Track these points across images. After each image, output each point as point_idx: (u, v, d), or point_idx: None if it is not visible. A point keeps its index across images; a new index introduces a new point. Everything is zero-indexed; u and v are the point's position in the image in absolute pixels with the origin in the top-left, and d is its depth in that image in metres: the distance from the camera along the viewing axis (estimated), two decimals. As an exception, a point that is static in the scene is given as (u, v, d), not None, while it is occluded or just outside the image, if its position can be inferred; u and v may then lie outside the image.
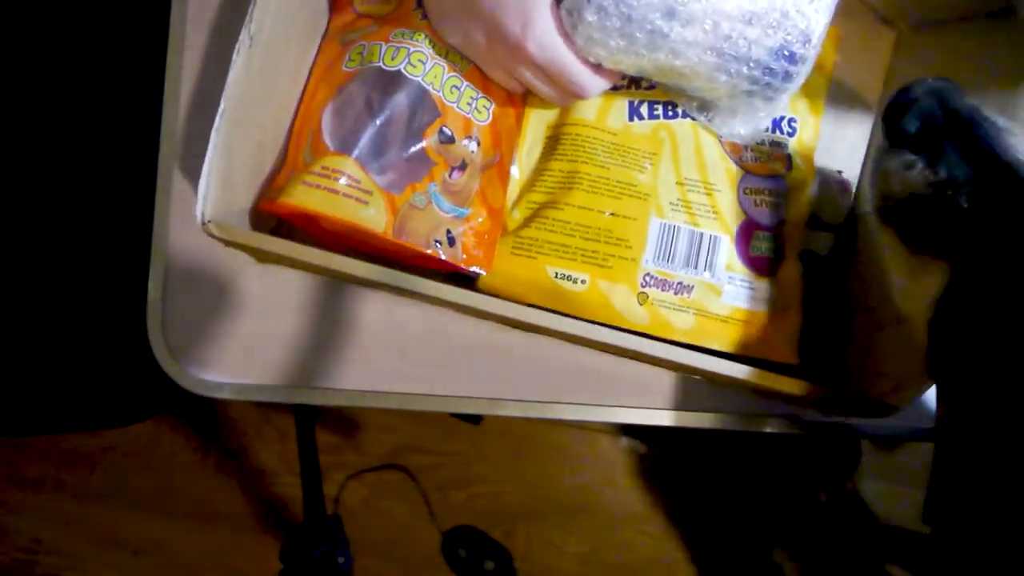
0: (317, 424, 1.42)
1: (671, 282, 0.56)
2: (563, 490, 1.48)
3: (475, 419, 1.46)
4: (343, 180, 0.53)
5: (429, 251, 0.55)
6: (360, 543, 1.43)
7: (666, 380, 0.64)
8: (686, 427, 0.65)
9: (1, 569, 1.49)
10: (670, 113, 0.58)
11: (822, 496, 1.46)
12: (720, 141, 0.58)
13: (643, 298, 0.56)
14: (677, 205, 0.56)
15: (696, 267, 0.56)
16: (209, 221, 0.50)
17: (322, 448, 1.29)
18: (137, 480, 1.48)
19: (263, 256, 0.61)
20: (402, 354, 0.65)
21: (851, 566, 1.38)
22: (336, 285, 0.65)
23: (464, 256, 0.57)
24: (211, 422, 1.47)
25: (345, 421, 1.47)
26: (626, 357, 0.62)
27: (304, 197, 0.53)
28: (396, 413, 1.46)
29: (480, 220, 0.58)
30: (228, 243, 0.53)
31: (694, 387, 0.65)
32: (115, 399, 1.20)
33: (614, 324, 0.55)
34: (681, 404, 0.65)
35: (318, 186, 0.53)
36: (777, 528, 1.46)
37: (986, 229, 0.42)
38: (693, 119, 0.58)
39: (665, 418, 0.65)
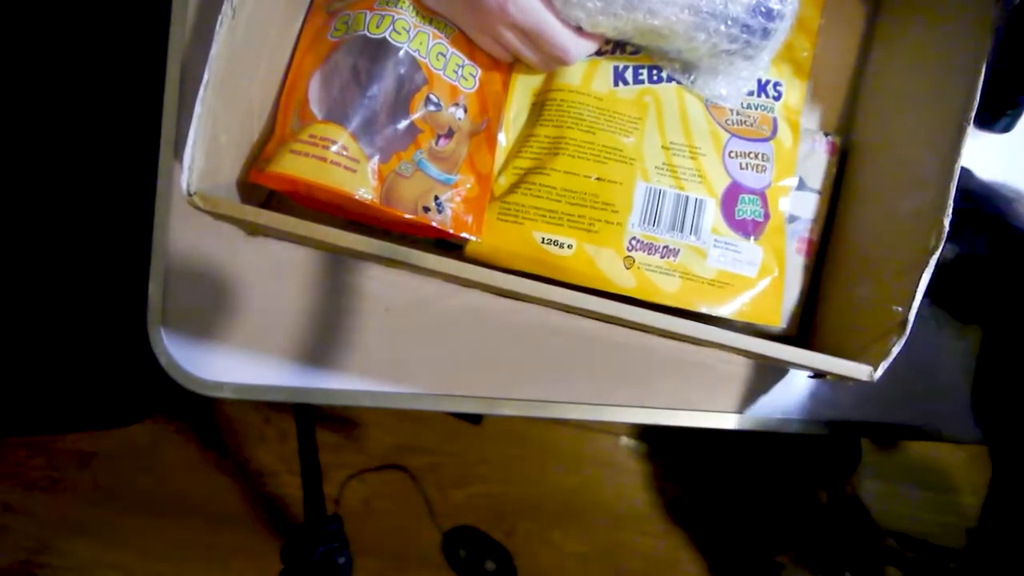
0: (317, 424, 1.42)
1: (657, 246, 0.56)
2: (563, 490, 1.47)
3: (475, 419, 1.46)
4: (331, 148, 0.53)
5: (417, 217, 0.56)
6: (360, 543, 1.42)
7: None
8: (688, 427, 0.65)
9: (2, 570, 1.49)
10: (655, 78, 0.58)
11: (822, 497, 1.45)
12: (706, 105, 0.58)
13: (629, 262, 0.56)
14: (662, 169, 0.57)
15: (682, 230, 0.56)
16: (195, 193, 0.50)
17: (322, 448, 1.29)
18: (138, 480, 1.48)
19: (253, 228, 0.61)
20: (402, 353, 0.65)
21: (850, 568, 1.37)
22: (336, 278, 0.65)
23: (453, 222, 0.57)
24: (211, 422, 1.48)
25: (345, 421, 1.47)
26: (613, 324, 0.62)
27: (292, 165, 0.53)
28: (396, 413, 1.46)
29: (468, 186, 0.58)
30: (215, 215, 0.53)
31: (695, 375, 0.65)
32: (115, 399, 1.20)
33: (601, 288, 0.56)
34: (684, 401, 0.66)
35: (306, 154, 0.53)
36: (778, 529, 1.45)
37: (1007, 293, 0.44)
38: (678, 82, 0.58)
39: (666, 418, 0.65)
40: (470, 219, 0.58)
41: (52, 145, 0.95)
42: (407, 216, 0.55)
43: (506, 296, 0.61)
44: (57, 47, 0.94)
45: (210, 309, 0.66)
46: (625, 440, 1.47)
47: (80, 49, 0.96)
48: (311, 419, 1.29)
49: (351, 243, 0.50)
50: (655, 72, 0.58)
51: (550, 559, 1.46)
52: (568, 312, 0.62)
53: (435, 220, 0.56)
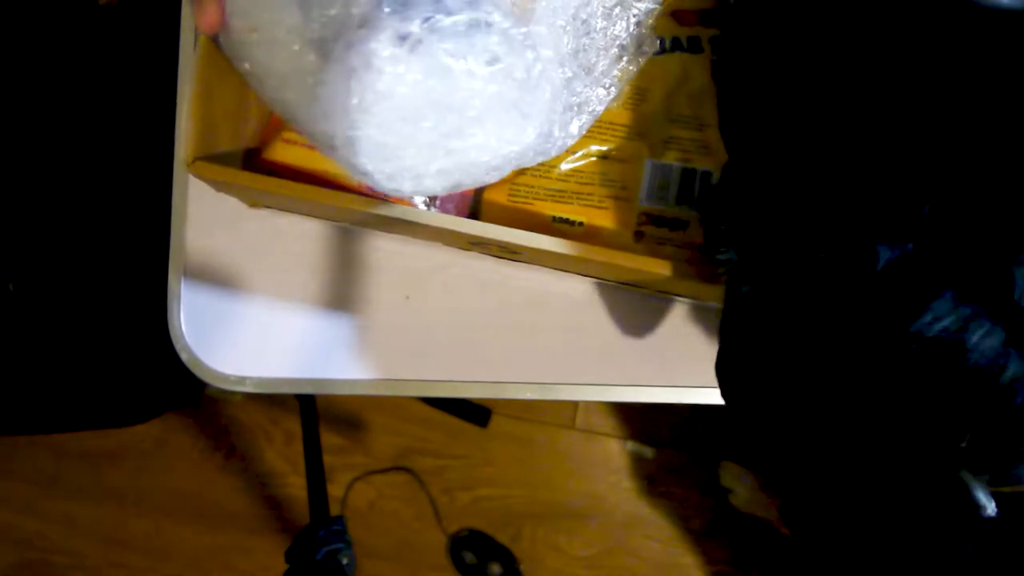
0: (324, 426, 1.42)
1: (666, 218, 0.57)
2: (569, 494, 1.47)
3: (482, 421, 1.46)
4: None
5: (403, 203, 0.57)
6: (366, 545, 1.42)
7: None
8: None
9: (8, 567, 1.49)
10: (659, 50, 0.59)
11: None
12: (711, 75, 0.59)
13: (639, 236, 0.57)
14: (669, 143, 0.57)
15: (690, 203, 0.57)
16: (193, 161, 0.51)
17: (329, 450, 1.29)
18: (144, 480, 1.49)
19: (253, 198, 0.62)
20: (413, 341, 0.66)
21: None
22: (348, 264, 0.66)
23: (439, 207, 0.59)
24: (218, 423, 1.48)
25: (352, 423, 1.47)
26: (620, 283, 0.63)
27: (284, 154, 0.57)
28: (403, 416, 1.46)
29: None
30: (216, 185, 0.54)
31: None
32: (123, 399, 1.21)
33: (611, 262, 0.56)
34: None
35: (296, 142, 0.57)
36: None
37: None
38: (682, 52, 0.59)
39: (682, 396, 0.66)
40: (453, 205, 0.60)
41: (68, 144, 0.96)
42: (395, 201, 0.57)
43: (513, 259, 0.62)
44: (80, 49, 0.96)
45: (228, 305, 0.67)
46: (631, 444, 1.47)
47: (102, 52, 0.97)
48: (315, 416, 1.29)
49: (356, 205, 0.52)
50: (660, 43, 0.59)
51: (556, 563, 1.46)
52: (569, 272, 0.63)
53: (421, 205, 0.58)
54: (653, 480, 1.47)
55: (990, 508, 0.35)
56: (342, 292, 0.66)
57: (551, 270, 0.64)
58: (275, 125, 0.60)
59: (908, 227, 0.33)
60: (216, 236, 0.66)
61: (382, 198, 0.56)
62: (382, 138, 0.40)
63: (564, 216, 0.58)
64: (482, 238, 0.52)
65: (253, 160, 0.59)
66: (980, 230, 0.32)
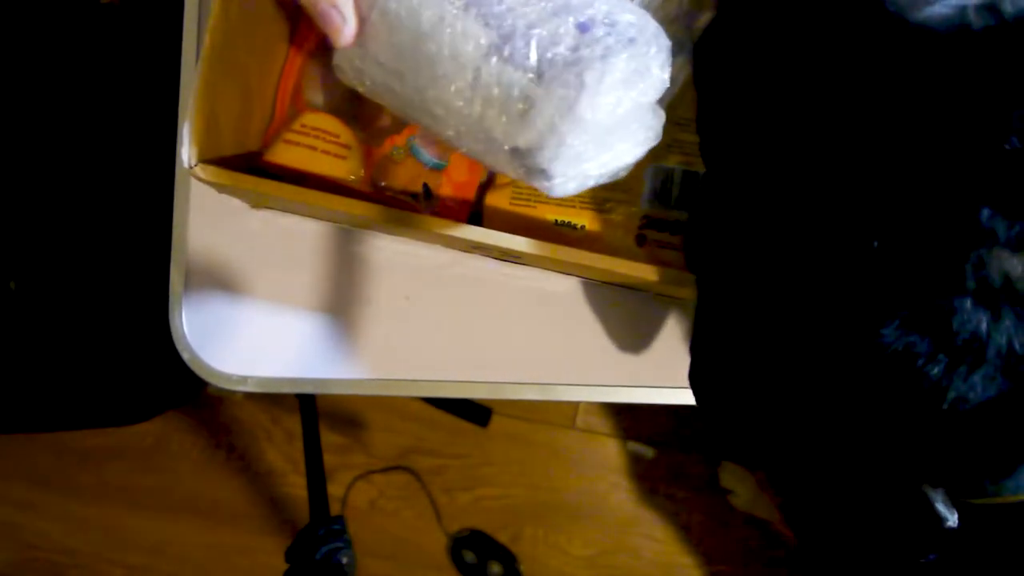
0: (325, 426, 1.42)
1: (668, 221, 0.57)
2: (570, 494, 1.47)
3: (482, 421, 1.46)
4: (321, 137, 0.57)
5: (407, 203, 0.58)
6: (366, 544, 1.42)
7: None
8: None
9: (7, 566, 1.49)
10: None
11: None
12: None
13: (642, 239, 0.57)
14: (671, 146, 0.58)
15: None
16: (196, 164, 0.51)
17: (330, 449, 1.29)
18: (144, 479, 1.49)
19: (256, 200, 0.62)
20: (413, 341, 0.66)
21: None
22: (349, 265, 0.66)
23: (441, 209, 0.59)
24: (218, 423, 1.48)
25: (353, 423, 1.47)
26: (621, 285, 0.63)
27: (285, 155, 0.57)
28: (403, 415, 1.46)
29: (459, 171, 0.59)
30: (219, 187, 0.54)
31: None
32: (123, 397, 1.21)
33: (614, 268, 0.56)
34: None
35: (298, 144, 0.57)
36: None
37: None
38: (686, 56, 0.59)
39: (678, 397, 0.66)
40: (457, 206, 0.60)
41: (70, 143, 0.96)
42: (396, 201, 0.57)
43: (514, 260, 0.62)
44: (82, 49, 0.96)
45: (230, 305, 0.67)
46: (632, 445, 1.47)
47: (104, 52, 0.97)
48: (316, 415, 1.29)
49: (358, 209, 0.52)
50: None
51: (556, 563, 1.46)
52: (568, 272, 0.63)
53: (423, 207, 0.58)
54: (653, 480, 1.47)
55: (951, 520, 0.36)
56: (343, 292, 0.66)
57: (552, 271, 0.64)
58: (278, 122, 0.60)
59: (861, 259, 0.34)
60: (218, 236, 0.66)
61: (384, 201, 0.56)
62: (581, 148, 0.43)
63: (566, 220, 0.58)
64: (483, 244, 0.52)
65: (255, 162, 0.59)
66: (927, 262, 0.33)
